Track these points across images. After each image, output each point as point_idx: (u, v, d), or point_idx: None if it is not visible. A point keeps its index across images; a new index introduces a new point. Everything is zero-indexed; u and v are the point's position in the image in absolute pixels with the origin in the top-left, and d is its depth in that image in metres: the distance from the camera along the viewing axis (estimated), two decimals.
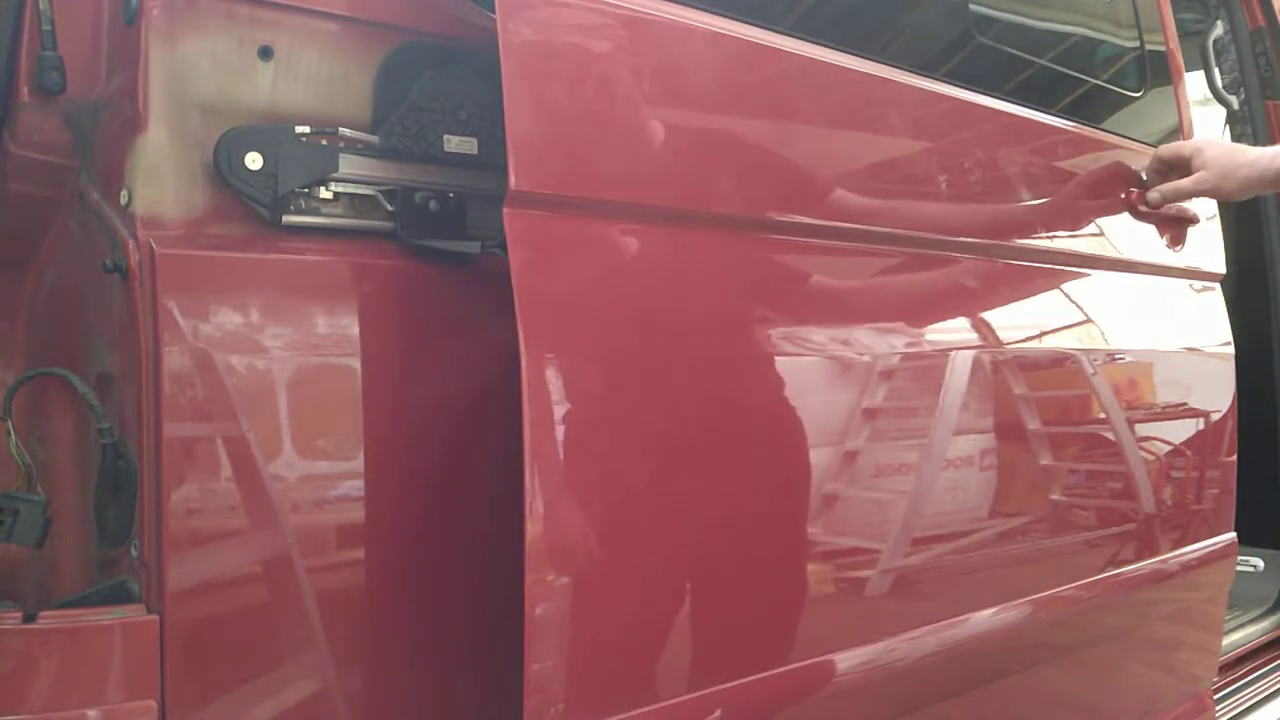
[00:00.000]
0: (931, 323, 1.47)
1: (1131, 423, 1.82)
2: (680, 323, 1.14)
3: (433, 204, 1.08)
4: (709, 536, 1.15)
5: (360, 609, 1.01)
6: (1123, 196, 1.84)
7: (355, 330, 1.02)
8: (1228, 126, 2.89)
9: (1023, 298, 1.64)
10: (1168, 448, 1.95)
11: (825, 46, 1.32)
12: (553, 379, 1.00)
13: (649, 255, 1.12)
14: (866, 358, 1.34)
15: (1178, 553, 1.93)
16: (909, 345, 1.42)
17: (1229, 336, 2.14)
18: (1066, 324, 1.71)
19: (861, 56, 1.37)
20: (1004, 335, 1.56)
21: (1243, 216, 2.78)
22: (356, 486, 1.00)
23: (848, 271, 1.36)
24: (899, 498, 1.38)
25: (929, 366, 1.43)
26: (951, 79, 1.51)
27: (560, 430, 1.00)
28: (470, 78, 1.10)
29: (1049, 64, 1.79)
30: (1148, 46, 2.02)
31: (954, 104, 1.50)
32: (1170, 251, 1.95)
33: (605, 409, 1.06)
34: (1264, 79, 2.74)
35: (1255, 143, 2.79)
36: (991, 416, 1.53)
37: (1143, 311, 1.91)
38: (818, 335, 1.30)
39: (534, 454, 0.96)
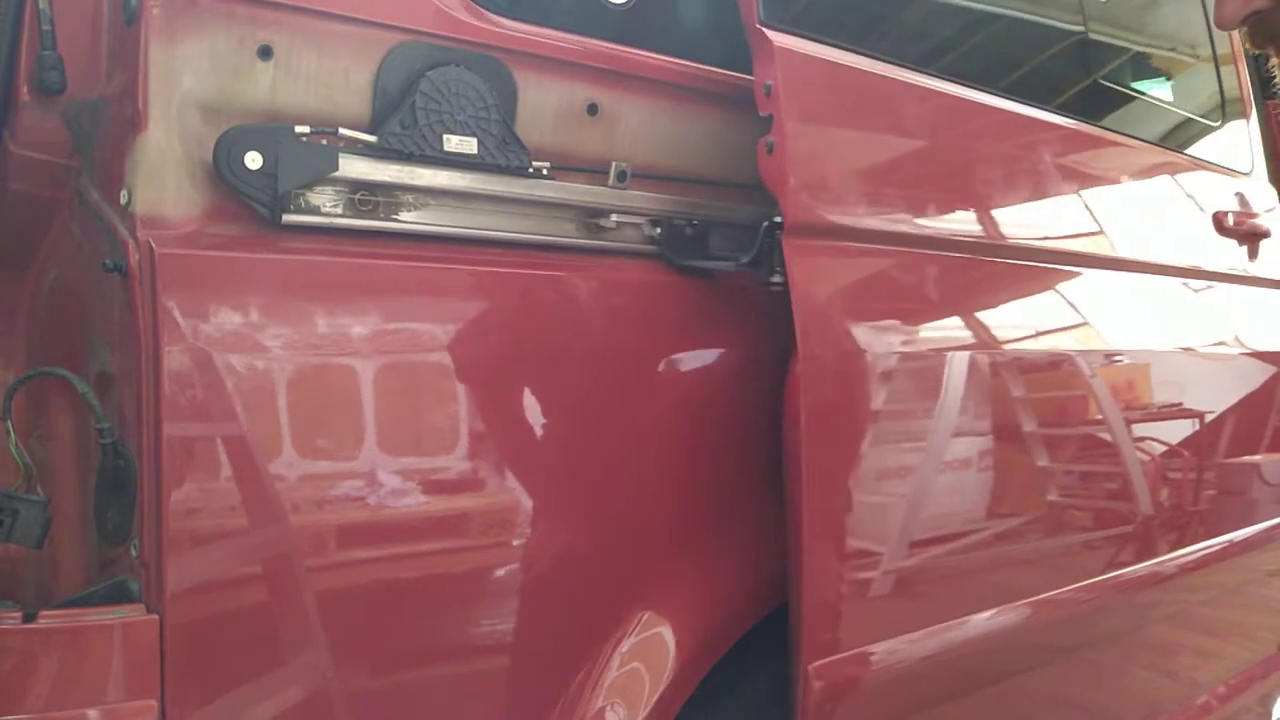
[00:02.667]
0: (1103, 328, 1.75)
1: (1235, 417, 2.10)
2: (921, 330, 1.39)
3: (689, 229, 1.29)
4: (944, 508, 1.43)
5: (361, 609, 1.01)
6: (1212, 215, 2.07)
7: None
8: None
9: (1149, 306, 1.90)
10: (1250, 437, 2.15)
11: (1013, 98, 1.59)
12: (825, 379, 1.22)
13: (902, 274, 1.37)
14: (1082, 359, 1.67)
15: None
16: (1100, 349, 1.73)
17: None
18: (1188, 329, 1.99)
19: (1049, 110, 1.68)
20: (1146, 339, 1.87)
21: None
22: (356, 486, 1.00)
23: (1062, 286, 1.67)
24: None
25: (1103, 365, 1.74)
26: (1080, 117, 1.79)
27: (829, 416, 1.23)
28: (470, 78, 1.10)
29: (1159, 102, 2.11)
30: (1224, 82, 2.29)
31: (1093, 139, 1.80)
32: (1249, 263, 2.19)
33: (864, 395, 1.28)
34: (1264, 79, 2.74)
35: None
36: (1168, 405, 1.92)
37: (1236, 316, 2.15)
38: (1037, 341, 1.59)
39: (808, 437, 1.18)
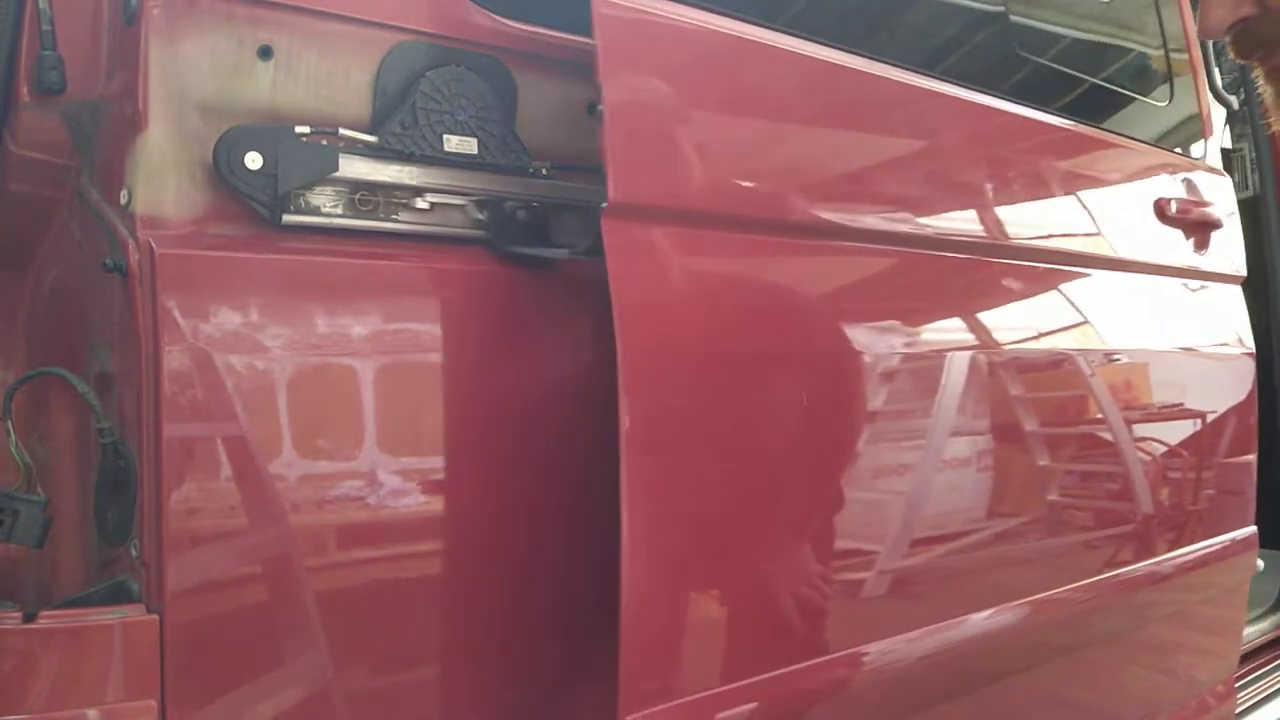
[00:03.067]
0: (988, 322, 1.54)
1: (1165, 419, 1.93)
2: (762, 324, 1.21)
3: (521, 213, 1.13)
4: (785, 526, 1.23)
5: (361, 609, 1.01)
6: (1154, 202, 1.89)
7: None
8: (1228, 126, 2.88)
9: (1066, 300, 1.70)
10: (1196, 444, 2.01)
11: (891, 64, 1.40)
12: (647, 378, 1.06)
13: (736, 261, 1.19)
14: (948, 356, 1.43)
15: (1210, 541, 2.01)
16: (973, 345, 1.50)
17: (1250, 336, 2.18)
18: (1110, 325, 1.77)
19: (931, 76, 1.46)
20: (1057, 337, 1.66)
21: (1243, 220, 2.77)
22: (356, 485, 1.00)
23: (917, 275, 1.43)
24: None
25: (993, 365, 1.51)
26: (998, 93, 1.58)
27: (655, 427, 1.07)
28: (470, 78, 1.10)
29: (1091, 79, 1.89)
30: (1173, 58, 2.10)
31: (1009, 118, 1.59)
32: (1196, 255, 2.00)
33: (696, 406, 1.13)
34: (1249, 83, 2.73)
35: (1255, 143, 2.78)
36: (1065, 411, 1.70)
37: (1175, 312, 1.97)
38: (897, 336, 1.38)
39: (630, 449, 1.02)
